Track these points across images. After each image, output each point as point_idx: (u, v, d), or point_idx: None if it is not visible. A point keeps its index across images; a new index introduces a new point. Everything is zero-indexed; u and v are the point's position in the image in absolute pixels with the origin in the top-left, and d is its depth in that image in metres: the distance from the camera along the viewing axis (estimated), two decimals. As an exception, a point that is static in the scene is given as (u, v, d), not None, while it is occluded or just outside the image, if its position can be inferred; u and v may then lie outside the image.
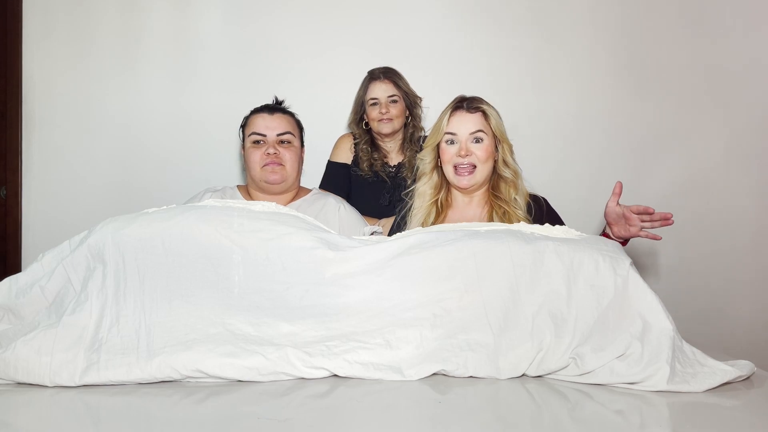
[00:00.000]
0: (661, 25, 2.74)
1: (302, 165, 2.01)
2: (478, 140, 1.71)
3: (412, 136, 2.34)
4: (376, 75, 2.31)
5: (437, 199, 1.78)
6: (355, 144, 2.36)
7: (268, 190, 1.94)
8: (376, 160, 2.32)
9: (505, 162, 1.74)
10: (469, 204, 1.79)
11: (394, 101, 2.28)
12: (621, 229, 1.61)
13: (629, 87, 2.74)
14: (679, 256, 2.73)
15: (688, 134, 2.75)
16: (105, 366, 1.15)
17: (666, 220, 1.56)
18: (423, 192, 1.79)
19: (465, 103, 1.74)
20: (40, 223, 2.60)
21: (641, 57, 2.74)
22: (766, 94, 2.75)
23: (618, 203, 1.61)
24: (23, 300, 1.30)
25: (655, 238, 1.61)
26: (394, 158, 2.36)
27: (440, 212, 1.77)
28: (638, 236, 1.60)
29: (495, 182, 1.76)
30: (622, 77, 2.74)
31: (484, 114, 1.73)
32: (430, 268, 1.30)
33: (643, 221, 1.58)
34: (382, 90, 2.28)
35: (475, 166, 1.71)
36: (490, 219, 1.72)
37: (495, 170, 1.76)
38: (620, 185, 1.62)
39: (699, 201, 2.75)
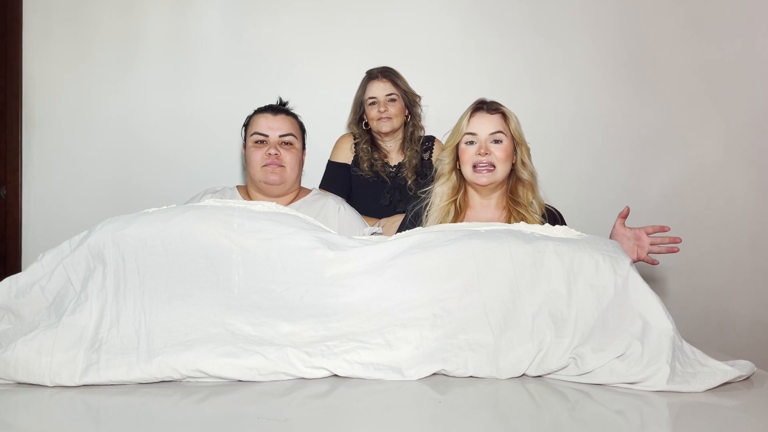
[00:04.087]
0: (661, 25, 2.75)
1: (302, 167, 2.00)
2: (497, 141, 1.72)
3: (412, 135, 2.34)
4: (374, 74, 2.31)
5: (456, 199, 1.78)
6: (355, 144, 2.36)
7: (267, 192, 1.93)
8: (376, 160, 2.32)
9: (523, 163, 1.75)
10: (486, 207, 1.79)
11: (393, 100, 2.28)
12: (629, 252, 1.60)
13: (629, 87, 2.74)
14: (679, 256, 2.71)
15: (687, 134, 2.75)
16: (105, 366, 1.15)
17: (672, 247, 1.58)
18: (441, 192, 1.79)
19: (485, 105, 1.76)
20: (40, 223, 2.60)
21: (641, 57, 2.74)
22: (766, 94, 2.75)
23: (624, 224, 1.63)
24: (23, 300, 1.30)
25: (654, 262, 1.62)
26: (395, 158, 2.35)
27: (459, 212, 1.78)
28: (641, 260, 1.62)
29: (513, 186, 1.77)
30: (622, 77, 2.74)
31: (504, 116, 1.75)
32: (430, 268, 1.30)
33: (653, 243, 1.59)
34: (380, 89, 2.28)
35: (494, 165, 1.71)
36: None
37: (513, 174, 1.77)
38: (628, 209, 1.64)
39: (699, 201, 2.75)
